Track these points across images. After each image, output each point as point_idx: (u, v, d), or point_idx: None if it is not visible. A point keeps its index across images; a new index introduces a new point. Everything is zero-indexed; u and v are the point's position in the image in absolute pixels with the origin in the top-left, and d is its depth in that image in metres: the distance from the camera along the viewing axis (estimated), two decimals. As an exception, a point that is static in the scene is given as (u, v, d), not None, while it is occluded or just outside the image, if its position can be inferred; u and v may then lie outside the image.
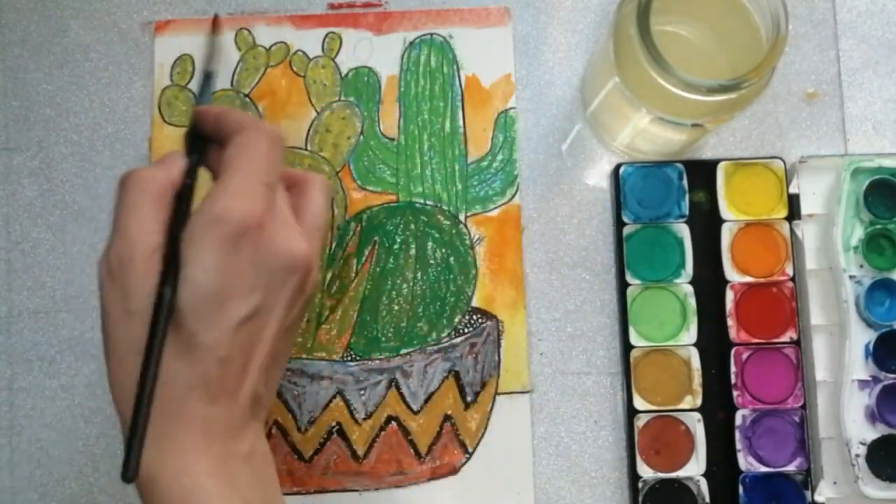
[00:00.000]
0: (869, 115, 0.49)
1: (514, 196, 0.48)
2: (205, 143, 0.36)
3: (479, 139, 0.49)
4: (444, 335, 0.47)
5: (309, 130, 0.48)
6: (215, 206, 0.32)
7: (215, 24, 0.42)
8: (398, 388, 0.47)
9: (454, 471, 0.47)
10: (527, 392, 0.47)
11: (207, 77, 0.39)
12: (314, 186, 0.37)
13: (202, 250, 0.32)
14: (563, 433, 0.47)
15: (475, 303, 0.47)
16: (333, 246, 0.48)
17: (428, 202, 0.48)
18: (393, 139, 0.49)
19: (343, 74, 0.49)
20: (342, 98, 0.49)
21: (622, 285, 0.46)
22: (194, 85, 0.48)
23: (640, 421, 0.46)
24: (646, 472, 0.45)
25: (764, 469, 0.45)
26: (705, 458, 0.45)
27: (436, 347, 0.47)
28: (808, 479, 0.45)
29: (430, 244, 0.48)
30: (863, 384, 0.45)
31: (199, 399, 0.32)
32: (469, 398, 0.47)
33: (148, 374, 0.30)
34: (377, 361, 0.47)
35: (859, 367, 0.45)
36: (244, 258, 0.32)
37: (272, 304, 0.33)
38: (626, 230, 0.47)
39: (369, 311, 0.47)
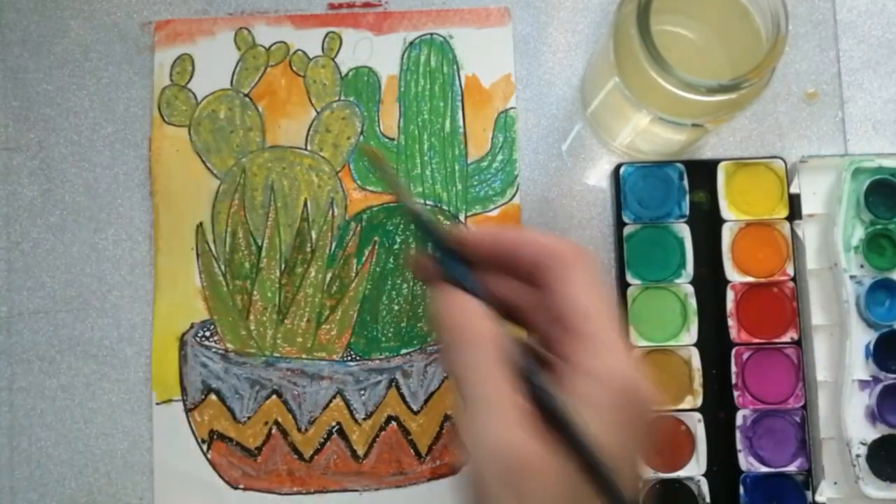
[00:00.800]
0: (869, 115, 0.49)
1: (514, 196, 0.48)
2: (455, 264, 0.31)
3: (479, 139, 0.49)
4: (444, 335, 0.47)
5: (309, 130, 0.48)
6: (620, 377, 0.27)
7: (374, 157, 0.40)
8: (398, 388, 0.47)
9: (454, 471, 0.46)
10: (527, 392, 0.47)
11: (423, 222, 0.34)
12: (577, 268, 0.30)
13: (602, 425, 0.27)
14: (563, 433, 0.47)
15: (475, 303, 0.47)
16: (333, 246, 0.48)
17: (428, 202, 0.48)
18: (393, 139, 0.49)
19: (343, 74, 0.49)
20: (342, 98, 0.49)
21: (622, 285, 0.46)
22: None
23: (641, 421, 0.46)
24: (646, 472, 0.45)
25: (765, 469, 0.45)
26: (706, 458, 0.45)
27: (436, 347, 0.47)
28: (808, 479, 0.45)
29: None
30: (863, 384, 0.45)
31: None
32: (469, 398, 0.47)
33: None
34: (377, 361, 0.47)
35: (860, 367, 0.45)
36: (629, 422, 0.28)
37: (635, 456, 0.29)
38: (627, 230, 0.47)
39: (369, 311, 0.47)
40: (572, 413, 0.27)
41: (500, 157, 0.48)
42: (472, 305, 0.30)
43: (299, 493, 0.46)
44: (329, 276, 0.47)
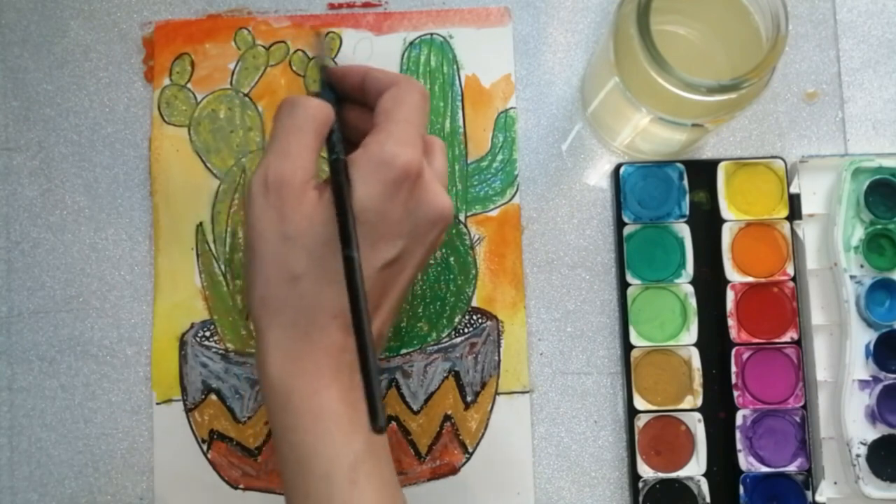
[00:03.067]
0: (869, 115, 0.49)
1: (514, 196, 0.48)
2: (338, 102, 0.38)
3: (479, 139, 0.49)
4: (444, 335, 0.47)
5: (309, 130, 0.48)
6: (382, 150, 0.34)
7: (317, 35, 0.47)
8: (398, 388, 0.47)
9: (454, 471, 0.46)
10: (527, 392, 0.47)
11: (323, 69, 0.40)
12: (439, 148, 0.38)
13: (364, 191, 0.33)
14: (563, 433, 0.47)
15: (475, 303, 0.47)
16: (333, 246, 0.48)
17: (428, 202, 0.48)
18: (393, 139, 0.48)
19: (343, 74, 0.49)
20: (342, 98, 0.49)
21: (622, 285, 0.46)
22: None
23: (641, 421, 0.46)
24: (646, 472, 0.45)
25: (765, 469, 0.45)
26: (706, 458, 0.45)
27: (436, 347, 0.47)
28: (808, 479, 0.45)
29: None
30: (863, 384, 0.45)
31: (339, 328, 0.34)
32: (469, 398, 0.47)
33: (367, 346, 0.31)
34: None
35: (860, 367, 0.45)
36: (399, 204, 0.34)
37: (413, 252, 0.35)
38: (627, 230, 0.47)
39: (369, 311, 0.47)
40: (346, 171, 0.34)
41: (500, 157, 0.48)
42: (317, 101, 0.36)
43: (299, 493, 0.46)
44: (329, 276, 0.47)
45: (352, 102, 0.39)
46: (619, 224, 0.47)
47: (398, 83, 0.36)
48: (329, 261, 0.33)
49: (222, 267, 0.48)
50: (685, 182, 0.47)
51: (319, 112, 0.35)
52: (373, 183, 0.33)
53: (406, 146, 0.34)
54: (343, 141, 0.36)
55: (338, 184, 0.33)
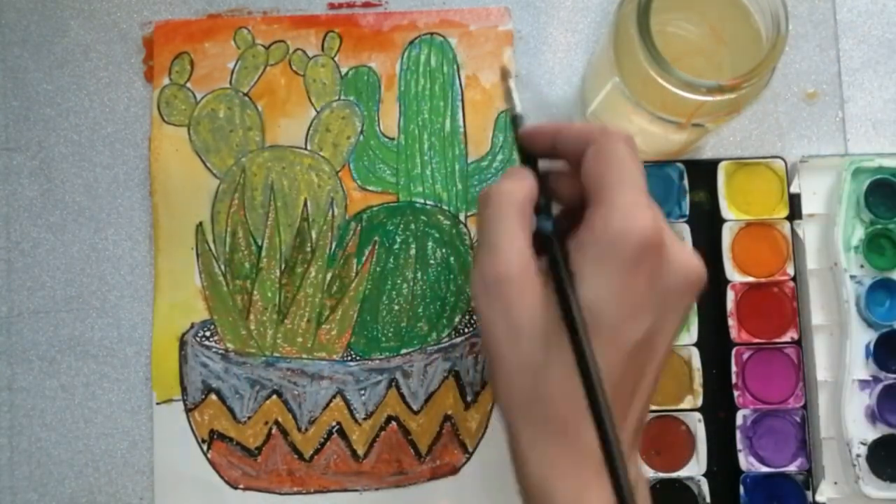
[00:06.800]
0: (869, 115, 0.49)
1: (514, 196, 0.48)
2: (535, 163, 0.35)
3: (479, 139, 0.49)
4: (444, 335, 0.47)
5: (308, 130, 0.48)
6: (608, 227, 0.30)
7: (504, 73, 0.39)
8: (398, 388, 0.47)
9: (454, 471, 0.46)
10: (527, 392, 0.47)
11: (514, 119, 0.36)
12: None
13: (598, 274, 0.30)
14: (563, 433, 0.47)
15: (475, 303, 0.47)
16: (333, 246, 0.48)
17: (428, 202, 0.48)
18: (393, 139, 0.49)
19: (343, 74, 0.49)
20: (342, 97, 0.49)
21: (622, 285, 0.46)
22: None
23: (641, 421, 0.46)
24: (646, 472, 0.45)
25: (765, 469, 0.45)
26: (706, 458, 0.45)
27: (436, 347, 0.47)
28: (808, 479, 0.45)
29: (430, 244, 0.48)
30: (863, 384, 0.45)
31: (592, 423, 0.29)
32: (469, 398, 0.47)
33: (608, 435, 0.28)
34: (377, 361, 0.47)
35: (860, 366, 0.45)
36: (642, 279, 0.30)
37: (664, 326, 0.32)
38: (627, 230, 0.47)
39: (369, 311, 0.47)
40: (569, 262, 0.31)
41: (500, 157, 0.48)
42: (510, 182, 0.33)
43: (299, 493, 0.46)
44: (329, 276, 0.47)
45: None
46: (619, 224, 0.47)
47: (594, 139, 0.32)
48: (570, 350, 0.30)
49: (222, 267, 0.48)
50: (685, 182, 0.47)
51: (514, 193, 0.33)
52: (608, 266, 0.30)
53: (636, 215, 0.30)
54: (557, 209, 0.34)
55: (553, 261, 0.31)
